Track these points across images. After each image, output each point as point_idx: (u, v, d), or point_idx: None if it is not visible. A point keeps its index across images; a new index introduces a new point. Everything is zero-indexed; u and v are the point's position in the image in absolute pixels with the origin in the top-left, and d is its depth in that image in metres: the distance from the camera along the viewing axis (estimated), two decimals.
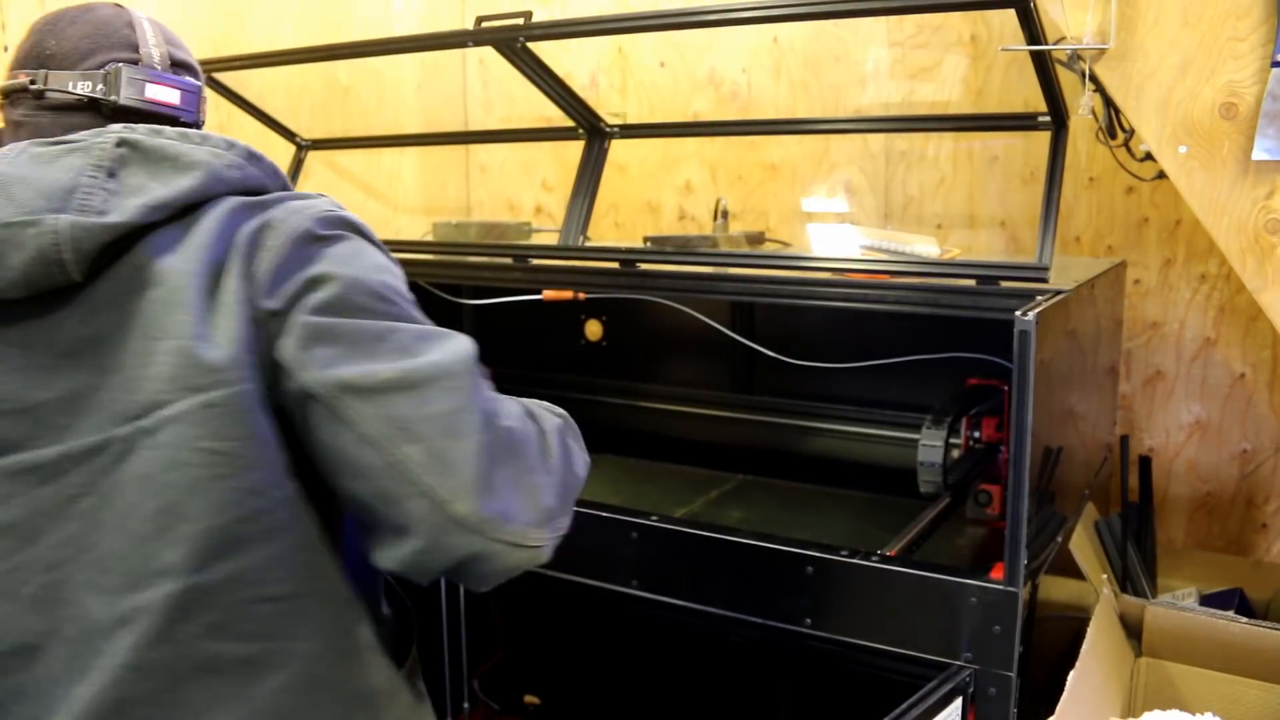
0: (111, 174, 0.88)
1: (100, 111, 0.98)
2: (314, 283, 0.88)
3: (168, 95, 1.01)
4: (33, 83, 0.98)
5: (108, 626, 0.84)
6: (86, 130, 0.94)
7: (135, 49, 1.01)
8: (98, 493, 0.85)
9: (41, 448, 0.85)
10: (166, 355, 0.84)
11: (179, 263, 0.87)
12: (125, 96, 0.98)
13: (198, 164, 0.90)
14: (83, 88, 0.98)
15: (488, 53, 2.09)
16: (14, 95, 1.00)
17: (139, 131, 0.91)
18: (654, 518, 1.53)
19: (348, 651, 0.92)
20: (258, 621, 0.86)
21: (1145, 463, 2.00)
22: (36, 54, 0.99)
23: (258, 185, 0.95)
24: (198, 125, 1.04)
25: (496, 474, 0.87)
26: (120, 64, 0.99)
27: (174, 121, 1.01)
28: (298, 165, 2.51)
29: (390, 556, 0.88)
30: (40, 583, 0.85)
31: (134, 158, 0.90)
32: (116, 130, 0.91)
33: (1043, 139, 1.60)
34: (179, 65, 1.05)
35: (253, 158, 0.96)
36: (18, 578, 0.85)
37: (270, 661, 0.87)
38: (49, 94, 0.98)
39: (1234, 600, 1.82)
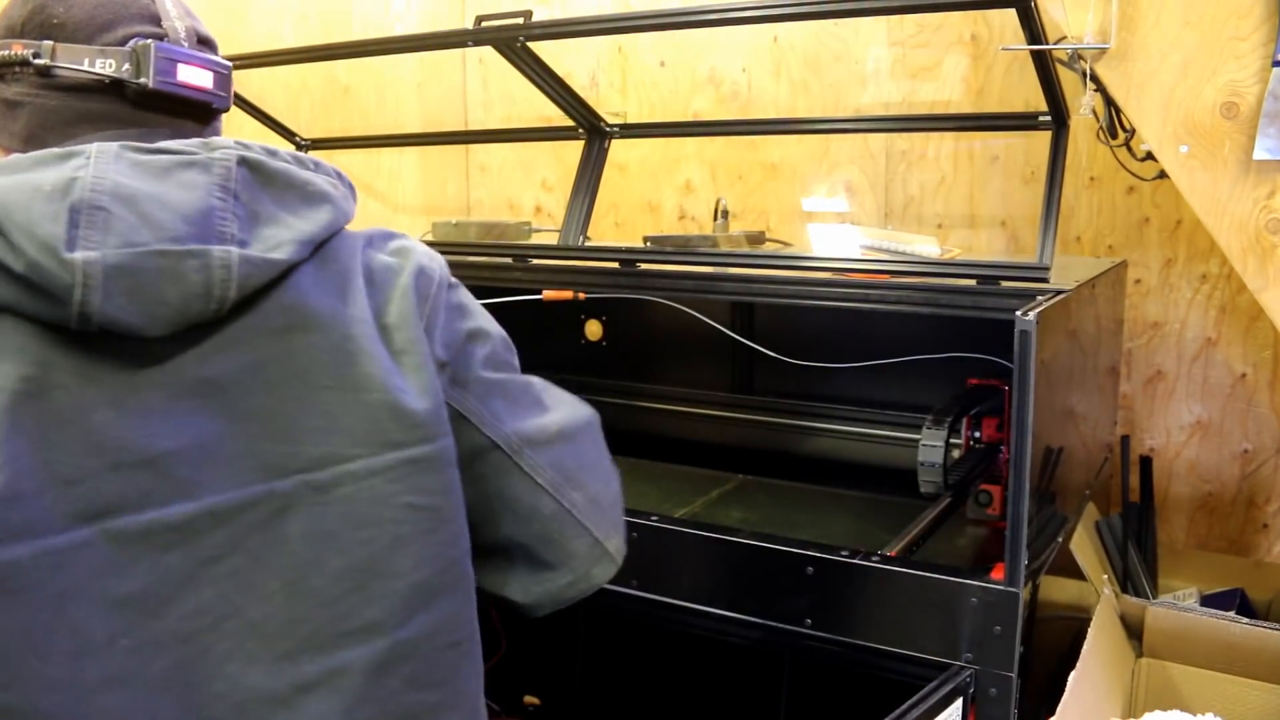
0: (237, 197, 0.78)
1: (124, 95, 0.84)
2: (473, 337, 0.91)
3: (201, 78, 0.88)
4: (36, 55, 0.83)
5: (282, 695, 0.76)
6: (109, 123, 0.85)
7: (158, 21, 0.87)
8: (243, 553, 0.76)
9: (162, 506, 0.73)
10: (352, 407, 0.79)
11: (349, 309, 0.81)
12: (156, 79, 0.84)
13: (324, 195, 0.84)
14: (103, 66, 0.83)
15: (488, 52, 2.08)
16: (8, 69, 0.84)
17: (254, 150, 0.81)
18: (654, 518, 1.53)
19: (484, 686, 0.96)
20: (445, 668, 0.86)
21: (1146, 463, 2.00)
22: (39, 21, 0.84)
23: (350, 218, 0.90)
24: (227, 110, 0.95)
25: (622, 509, 1.01)
26: (147, 40, 0.84)
27: (206, 108, 0.90)
28: None
29: (529, 590, 0.95)
30: (170, 660, 0.73)
31: (256, 180, 0.80)
32: (230, 145, 0.80)
33: (1043, 138, 1.60)
34: (204, 42, 0.92)
35: (353, 190, 0.91)
36: (142, 657, 0.72)
37: (450, 704, 0.87)
38: (58, 71, 0.83)
39: (1235, 601, 1.82)
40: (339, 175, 0.88)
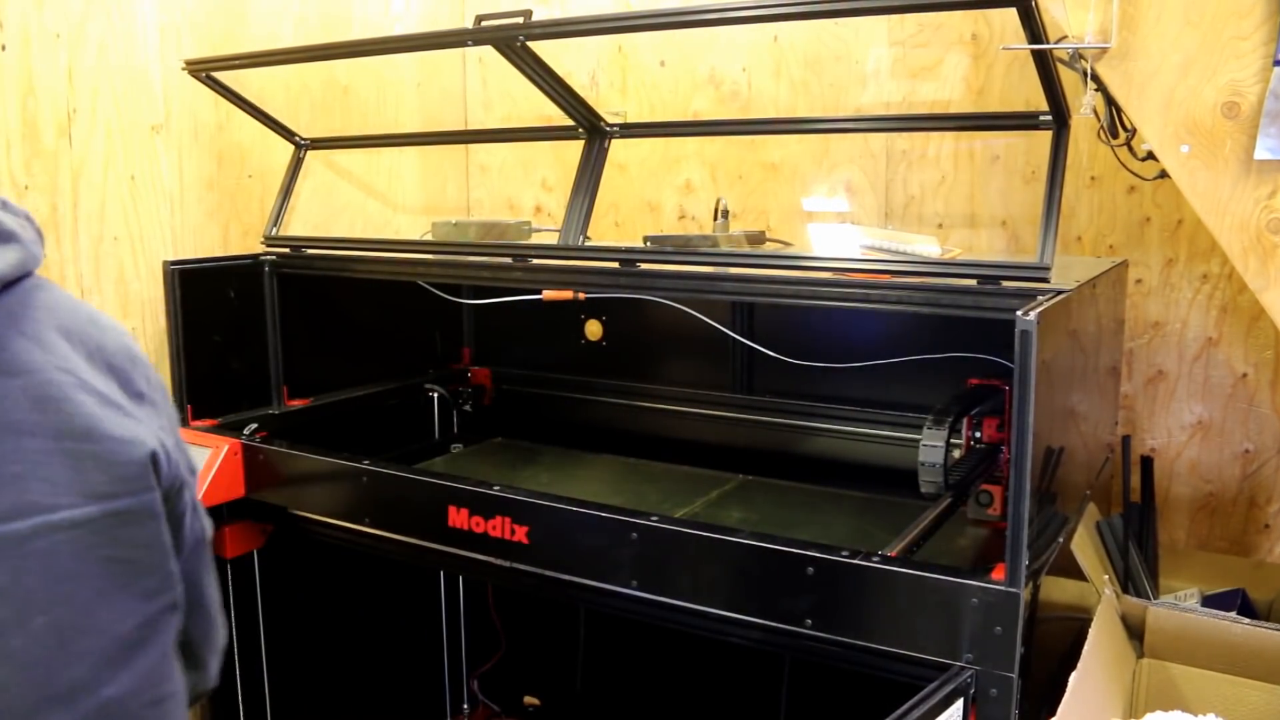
0: None
1: None
2: (174, 415, 0.89)
3: None
4: None
5: None
6: None
7: None
8: None
9: None
10: (56, 455, 0.75)
11: (51, 355, 0.77)
12: None
13: (12, 235, 0.79)
14: None
15: (488, 52, 2.08)
16: None
17: None
18: (654, 518, 1.53)
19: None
20: None
21: (1147, 463, 2.00)
22: None
23: (40, 263, 0.86)
24: None
25: None
26: None
27: None
28: (297, 165, 2.50)
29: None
30: None
31: None
32: None
33: (1044, 138, 1.60)
34: None
35: (41, 235, 0.86)
36: None
37: None
38: None
39: (1236, 601, 1.82)
40: (29, 218, 0.85)
